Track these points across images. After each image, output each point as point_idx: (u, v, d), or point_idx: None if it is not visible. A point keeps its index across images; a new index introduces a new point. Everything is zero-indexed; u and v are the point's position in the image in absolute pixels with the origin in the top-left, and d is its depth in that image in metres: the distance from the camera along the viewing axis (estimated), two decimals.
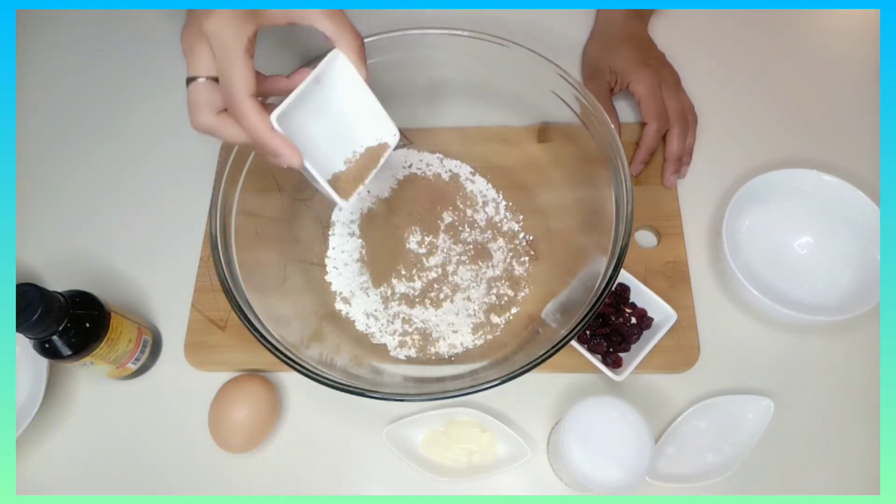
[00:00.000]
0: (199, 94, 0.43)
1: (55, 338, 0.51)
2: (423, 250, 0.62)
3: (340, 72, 0.46)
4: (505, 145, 0.67)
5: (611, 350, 0.57)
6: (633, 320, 0.58)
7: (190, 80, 0.43)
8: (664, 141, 0.66)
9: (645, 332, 0.58)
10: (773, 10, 0.77)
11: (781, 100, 0.71)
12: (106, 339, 0.54)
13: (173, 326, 0.62)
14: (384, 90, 0.64)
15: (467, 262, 0.62)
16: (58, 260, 0.66)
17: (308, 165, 0.45)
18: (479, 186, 0.66)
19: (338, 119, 0.48)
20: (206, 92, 0.43)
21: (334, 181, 0.48)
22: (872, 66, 0.73)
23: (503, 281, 0.61)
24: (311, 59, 0.55)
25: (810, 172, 0.61)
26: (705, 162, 0.68)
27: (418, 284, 0.61)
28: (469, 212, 0.64)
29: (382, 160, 0.50)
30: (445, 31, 0.58)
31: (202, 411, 0.57)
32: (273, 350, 0.49)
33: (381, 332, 0.60)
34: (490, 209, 0.65)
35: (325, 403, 0.59)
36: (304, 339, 0.54)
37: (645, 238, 0.65)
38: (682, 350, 0.58)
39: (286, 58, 0.69)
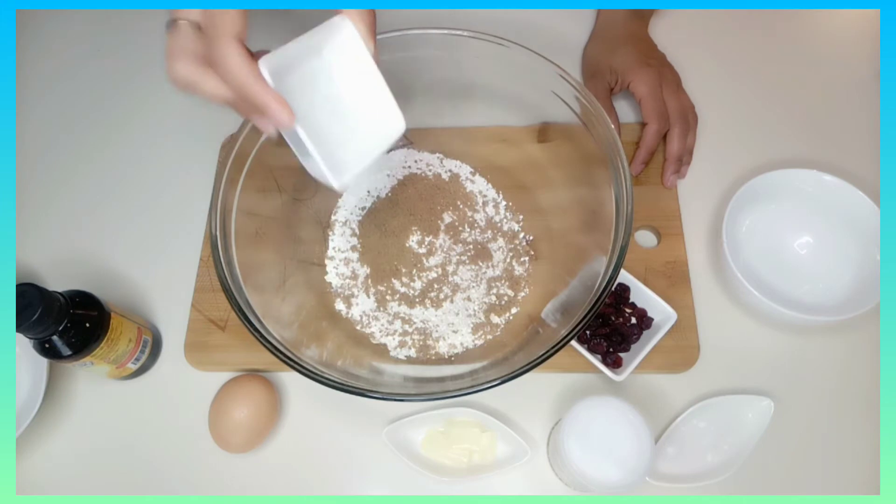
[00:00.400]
0: (179, 38, 0.37)
1: (55, 338, 0.51)
2: (423, 250, 0.62)
3: (346, 42, 0.41)
4: (505, 145, 0.67)
5: (611, 350, 0.57)
6: (633, 320, 0.58)
7: (171, 24, 0.37)
8: (664, 141, 0.66)
9: (645, 332, 0.58)
10: (772, 10, 0.77)
11: (781, 100, 0.71)
12: (106, 339, 0.54)
13: (173, 326, 0.62)
14: None
15: (467, 262, 0.62)
16: (58, 260, 0.66)
17: (300, 130, 0.39)
18: (479, 186, 0.66)
19: (337, 95, 0.42)
20: (188, 38, 0.37)
21: (329, 162, 0.42)
22: (872, 66, 0.73)
23: (503, 281, 0.61)
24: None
25: (810, 172, 0.61)
26: (705, 162, 0.68)
27: (418, 284, 0.61)
28: (469, 212, 0.64)
29: (384, 147, 0.45)
30: (445, 31, 0.58)
31: (202, 411, 0.57)
32: (273, 350, 0.49)
33: (381, 332, 0.60)
34: (490, 209, 0.65)
35: (325, 403, 0.59)
36: (304, 339, 0.54)
37: (645, 238, 0.65)
38: (682, 350, 0.58)
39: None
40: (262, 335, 0.49)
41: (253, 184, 0.57)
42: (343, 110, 0.43)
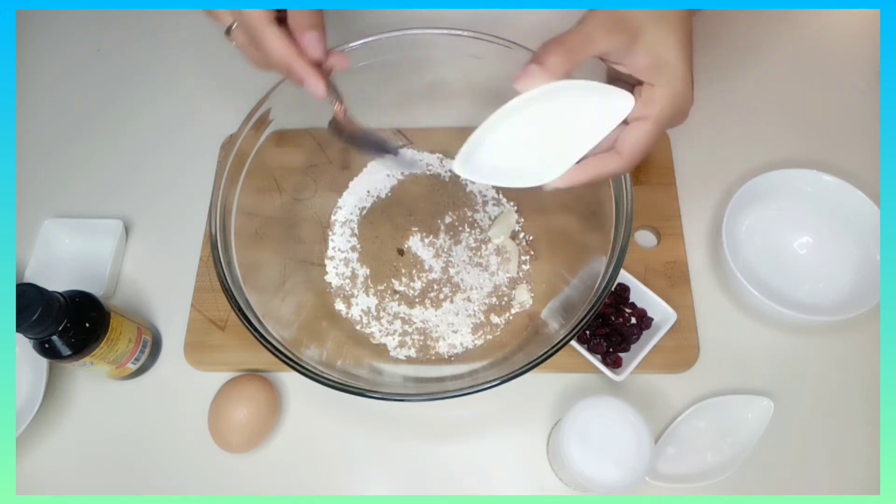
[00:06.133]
0: (241, 35, 0.43)
1: (55, 338, 0.51)
2: (422, 250, 0.62)
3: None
4: None
5: (611, 350, 0.57)
6: (633, 320, 0.58)
7: (227, 32, 0.44)
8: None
9: (645, 332, 0.58)
10: (773, 10, 0.77)
11: (781, 99, 0.71)
12: (106, 339, 0.54)
13: (173, 326, 0.62)
14: (384, 90, 0.64)
15: (467, 262, 0.62)
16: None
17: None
18: (479, 186, 0.66)
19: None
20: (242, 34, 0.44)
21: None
22: (872, 66, 0.73)
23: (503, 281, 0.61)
24: None
25: (810, 172, 0.61)
26: (705, 162, 0.68)
27: (418, 285, 0.61)
28: (469, 212, 0.64)
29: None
30: (445, 31, 0.58)
31: (202, 411, 0.57)
32: (273, 350, 0.49)
33: (380, 332, 0.60)
34: (490, 209, 0.65)
35: (325, 403, 0.59)
36: (304, 339, 0.54)
37: (645, 238, 0.65)
38: (682, 350, 0.58)
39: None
40: (261, 335, 0.49)
41: (253, 184, 0.57)
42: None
